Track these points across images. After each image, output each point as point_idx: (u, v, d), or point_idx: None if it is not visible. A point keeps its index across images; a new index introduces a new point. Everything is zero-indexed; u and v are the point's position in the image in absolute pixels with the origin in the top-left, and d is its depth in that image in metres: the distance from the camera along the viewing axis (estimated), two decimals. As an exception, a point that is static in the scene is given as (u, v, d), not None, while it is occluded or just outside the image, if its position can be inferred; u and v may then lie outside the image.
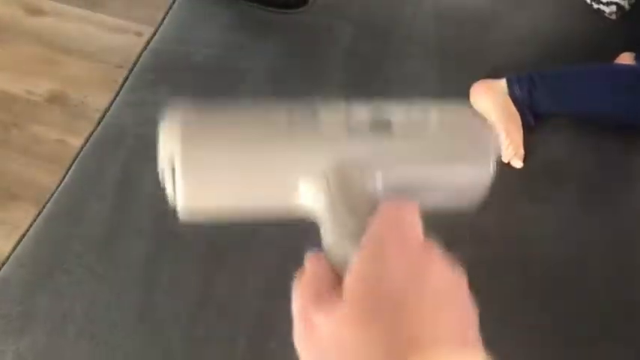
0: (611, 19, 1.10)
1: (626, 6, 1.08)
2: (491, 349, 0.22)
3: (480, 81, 1.01)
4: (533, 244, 0.87)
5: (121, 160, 0.97)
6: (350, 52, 1.09)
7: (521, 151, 0.95)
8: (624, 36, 1.05)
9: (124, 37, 1.83)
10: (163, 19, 1.18)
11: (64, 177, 0.99)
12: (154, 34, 1.15)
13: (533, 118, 0.98)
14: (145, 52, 1.12)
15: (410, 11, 1.14)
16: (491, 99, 0.97)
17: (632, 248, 0.87)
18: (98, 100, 1.03)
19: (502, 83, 0.99)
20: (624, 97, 0.92)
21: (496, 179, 0.90)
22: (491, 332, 0.74)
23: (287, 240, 0.88)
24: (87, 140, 1.02)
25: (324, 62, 1.08)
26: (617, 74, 0.96)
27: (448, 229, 0.85)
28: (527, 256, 0.86)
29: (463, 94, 1.02)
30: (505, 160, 0.94)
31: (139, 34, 1.74)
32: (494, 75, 1.01)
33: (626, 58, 1.01)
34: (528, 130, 0.98)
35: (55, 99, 1.69)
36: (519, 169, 0.95)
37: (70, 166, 1.00)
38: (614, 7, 1.08)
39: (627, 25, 1.07)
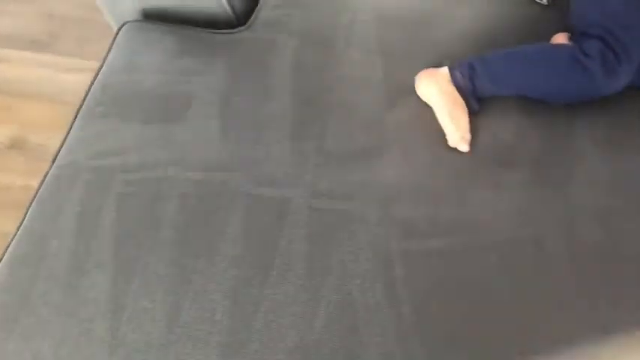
0: (545, 5, 1.13)
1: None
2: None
3: (424, 70, 1.03)
4: (487, 230, 0.89)
5: (78, 195, 0.98)
6: (295, 63, 1.11)
7: (468, 136, 0.97)
8: (557, 21, 1.08)
9: (80, 75, 1.83)
10: (108, 51, 1.19)
11: (22, 220, 0.99)
12: (101, 67, 1.16)
13: (478, 102, 1.00)
14: (92, 87, 1.12)
15: (349, 17, 1.16)
16: (435, 87, 1.00)
17: (587, 224, 0.89)
18: (59, 142, 1.04)
19: (445, 71, 1.01)
20: (563, 76, 0.94)
21: (446, 168, 0.93)
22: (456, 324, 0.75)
23: (250, 258, 0.89)
24: (42, 181, 1.02)
25: (270, 77, 1.09)
26: (555, 53, 0.99)
27: (405, 219, 0.88)
28: (483, 243, 0.88)
29: (409, 92, 1.05)
30: (452, 144, 0.96)
31: (94, 70, 1.74)
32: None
33: (560, 39, 1.04)
34: (474, 115, 1.00)
35: (16, 145, 1.68)
36: (469, 157, 0.96)
37: (28, 208, 1.00)
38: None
39: (558, 10, 1.10)
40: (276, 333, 0.83)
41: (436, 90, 0.99)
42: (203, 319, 0.85)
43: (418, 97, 1.04)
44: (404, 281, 0.86)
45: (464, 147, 0.96)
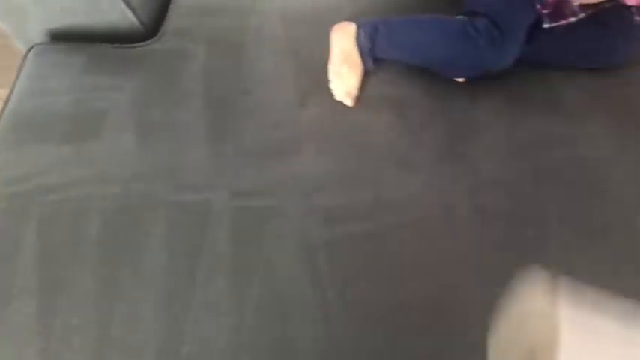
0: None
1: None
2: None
3: (339, 23, 1.09)
4: (403, 209, 0.93)
5: (-4, 223, 0.96)
6: (207, 70, 1.12)
7: (355, 92, 1.04)
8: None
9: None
10: (17, 76, 1.17)
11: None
12: (10, 93, 1.14)
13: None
14: (2, 114, 1.11)
15: (256, 20, 1.19)
16: (338, 40, 1.07)
17: (493, 192, 0.94)
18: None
19: (353, 28, 1.07)
20: (452, 45, 0.99)
21: (360, 155, 0.96)
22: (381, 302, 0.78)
23: (177, 264, 0.90)
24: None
25: (183, 85, 1.11)
26: (448, 24, 1.03)
27: (326, 208, 0.91)
28: (400, 222, 0.92)
29: (321, 87, 1.08)
30: (338, 98, 1.03)
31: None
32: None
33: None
34: (386, 98, 1.04)
35: None
36: (382, 142, 1.00)
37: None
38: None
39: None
40: (209, 333, 0.85)
41: (338, 44, 1.06)
42: (135, 330, 0.86)
43: (330, 91, 1.07)
44: (328, 268, 0.89)
45: (348, 101, 1.03)
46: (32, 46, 1.22)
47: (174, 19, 1.23)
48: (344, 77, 1.04)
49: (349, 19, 1.18)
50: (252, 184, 0.98)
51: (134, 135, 1.05)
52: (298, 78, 1.10)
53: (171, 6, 1.26)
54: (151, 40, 1.21)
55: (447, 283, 0.86)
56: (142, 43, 1.20)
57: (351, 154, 1.00)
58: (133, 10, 1.21)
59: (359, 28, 1.06)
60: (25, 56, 1.21)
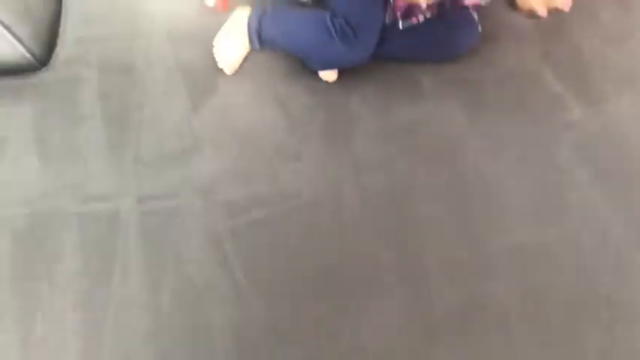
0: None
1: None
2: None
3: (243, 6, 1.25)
4: (296, 196, 1.05)
5: None
6: (101, 91, 1.19)
7: (236, 65, 1.21)
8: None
9: None
10: None
11: None
12: None
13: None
14: None
15: (144, 42, 1.27)
16: (234, 17, 1.23)
17: (372, 173, 1.08)
18: None
19: (248, 9, 1.22)
20: (314, 37, 1.13)
21: (256, 151, 1.06)
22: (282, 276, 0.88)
23: (91, 268, 0.96)
24: None
25: (79, 107, 1.17)
26: (314, 19, 1.16)
27: (228, 202, 1.01)
28: (294, 207, 1.03)
29: (210, 95, 1.18)
30: (219, 66, 1.20)
31: None
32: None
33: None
34: (279, 102, 1.17)
35: None
36: (272, 139, 1.12)
37: None
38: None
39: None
40: (128, 326, 0.92)
41: (231, 20, 1.22)
42: (56, 334, 0.91)
43: (220, 97, 1.17)
44: (234, 253, 0.99)
45: (227, 71, 1.20)
46: None
47: (63, 49, 1.29)
48: (228, 47, 1.18)
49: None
50: (156, 188, 1.06)
51: (36, 157, 1.10)
52: (189, 88, 1.19)
53: (60, 36, 1.31)
54: (43, 69, 1.26)
55: (337, 253, 0.98)
56: (34, 73, 1.24)
57: (245, 152, 1.11)
58: (20, 41, 1.25)
59: (252, 10, 1.20)
60: None
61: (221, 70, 1.22)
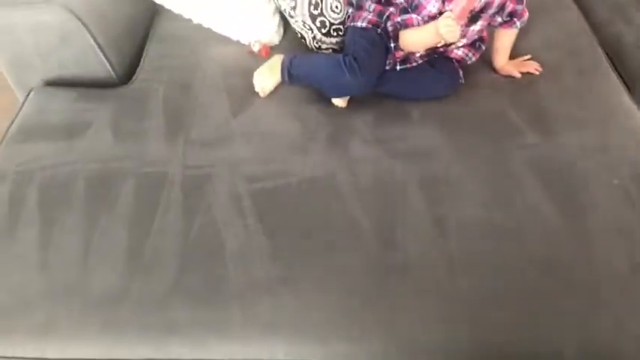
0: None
1: None
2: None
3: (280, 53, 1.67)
4: (300, 174, 1.36)
5: (8, 187, 1.32)
6: (165, 98, 1.57)
7: (268, 90, 1.58)
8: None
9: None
10: (21, 106, 1.58)
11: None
12: (16, 114, 1.54)
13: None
14: (10, 126, 1.50)
15: (201, 73, 1.66)
16: (271, 59, 1.63)
17: (363, 167, 1.39)
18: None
19: (282, 56, 1.63)
20: (330, 72, 1.49)
21: (274, 145, 1.42)
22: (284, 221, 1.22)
23: (140, 207, 1.28)
24: (-25, 184, 1.35)
25: (148, 107, 1.54)
26: (331, 58, 1.55)
27: (249, 174, 1.32)
28: (297, 180, 1.34)
29: (248, 107, 1.54)
30: (256, 89, 1.57)
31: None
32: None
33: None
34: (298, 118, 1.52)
35: None
36: (288, 139, 1.45)
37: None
38: None
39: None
40: (164, 243, 1.22)
41: (269, 61, 1.63)
42: (109, 245, 1.22)
43: (252, 110, 1.54)
44: (249, 207, 1.29)
45: (261, 94, 1.57)
46: (32, 88, 1.64)
47: (142, 73, 1.70)
48: (264, 77, 1.55)
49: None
50: (198, 161, 1.39)
51: (111, 135, 1.46)
52: (230, 102, 1.56)
53: (141, 64, 1.73)
54: (123, 86, 1.66)
55: (324, 213, 1.28)
56: (116, 88, 1.64)
57: (265, 145, 1.44)
58: (110, 62, 1.67)
59: (286, 54, 1.61)
60: (27, 95, 1.63)
61: (257, 93, 1.59)
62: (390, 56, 1.58)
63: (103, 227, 1.25)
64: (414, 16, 1.45)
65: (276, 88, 1.60)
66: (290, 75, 1.59)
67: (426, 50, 1.57)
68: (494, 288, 1.16)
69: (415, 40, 1.48)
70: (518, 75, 1.64)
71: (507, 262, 1.20)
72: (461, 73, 1.62)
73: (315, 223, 1.26)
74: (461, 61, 1.64)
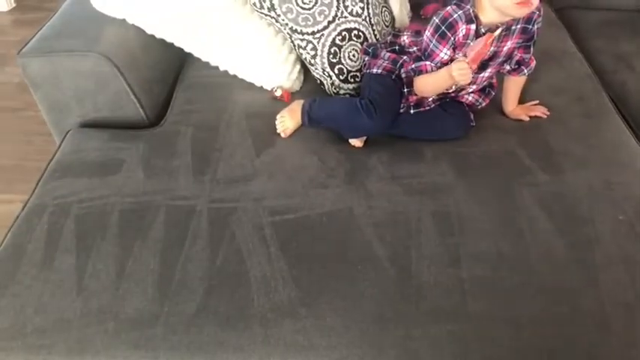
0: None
1: None
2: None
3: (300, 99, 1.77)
4: (319, 207, 1.45)
5: (47, 218, 1.42)
6: (193, 139, 1.67)
7: (289, 132, 1.68)
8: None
9: (9, 205, 2.23)
10: (59, 145, 1.69)
11: (5, 235, 1.40)
12: (55, 153, 1.66)
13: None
14: (49, 164, 1.61)
15: (227, 116, 1.77)
16: (292, 104, 1.73)
17: (379, 201, 1.47)
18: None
19: (302, 100, 1.73)
20: (347, 113, 1.59)
21: (296, 182, 1.51)
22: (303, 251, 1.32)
23: (171, 236, 1.37)
24: (17, 216, 1.45)
25: (176, 148, 1.64)
26: (348, 101, 1.66)
27: (271, 207, 1.41)
28: (316, 213, 1.43)
29: (270, 148, 1.64)
30: (278, 131, 1.68)
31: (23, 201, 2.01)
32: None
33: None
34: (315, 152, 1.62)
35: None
36: (308, 176, 1.54)
37: (10, 228, 1.41)
38: None
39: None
40: (191, 270, 1.29)
41: (290, 105, 1.73)
42: (141, 271, 1.30)
43: (275, 149, 1.64)
44: (271, 236, 1.37)
45: (282, 134, 1.67)
46: (69, 130, 1.76)
47: (171, 116, 1.82)
48: (286, 120, 1.65)
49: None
50: (223, 196, 1.49)
51: (142, 173, 1.57)
52: (254, 142, 1.66)
53: (170, 109, 1.85)
54: (154, 128, 1.77)
55: (342, 240, 1.35)
56: (147, 129, 1.76)
57: (288, 181, 1.53)
58: (142, 107, 1.79)
59: (307, 99, 1.72)
60: (65, 136, 1.75)
61: (279, 134, 1.69)
62: (403, 100, 1.68)
63: (135, 255, 1.33)
64: (427, 62, 1.56)
65: (297, 130, 1.70)
66: (310, 118, 1.70)
67: (439, 95, 1.67)
68: (505, 314, 1.21)
69: (429, 83, 1.58)
70: (527, 118, 1.74)
71: (517, 290, 1.25)
72: (472, 116, 1.71)
73: (333, 252, 1.33)
74: (472, 106, 1.74)
